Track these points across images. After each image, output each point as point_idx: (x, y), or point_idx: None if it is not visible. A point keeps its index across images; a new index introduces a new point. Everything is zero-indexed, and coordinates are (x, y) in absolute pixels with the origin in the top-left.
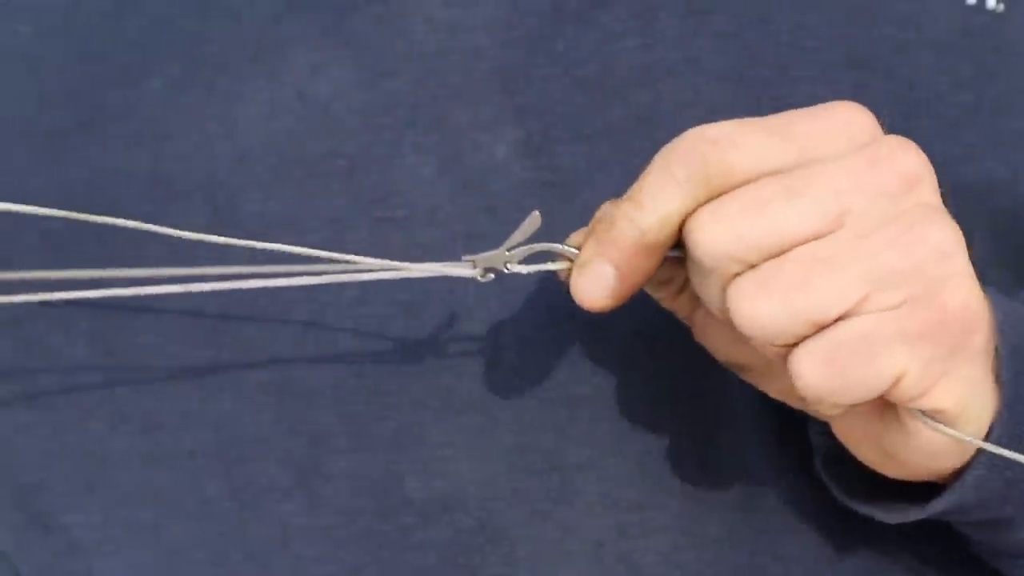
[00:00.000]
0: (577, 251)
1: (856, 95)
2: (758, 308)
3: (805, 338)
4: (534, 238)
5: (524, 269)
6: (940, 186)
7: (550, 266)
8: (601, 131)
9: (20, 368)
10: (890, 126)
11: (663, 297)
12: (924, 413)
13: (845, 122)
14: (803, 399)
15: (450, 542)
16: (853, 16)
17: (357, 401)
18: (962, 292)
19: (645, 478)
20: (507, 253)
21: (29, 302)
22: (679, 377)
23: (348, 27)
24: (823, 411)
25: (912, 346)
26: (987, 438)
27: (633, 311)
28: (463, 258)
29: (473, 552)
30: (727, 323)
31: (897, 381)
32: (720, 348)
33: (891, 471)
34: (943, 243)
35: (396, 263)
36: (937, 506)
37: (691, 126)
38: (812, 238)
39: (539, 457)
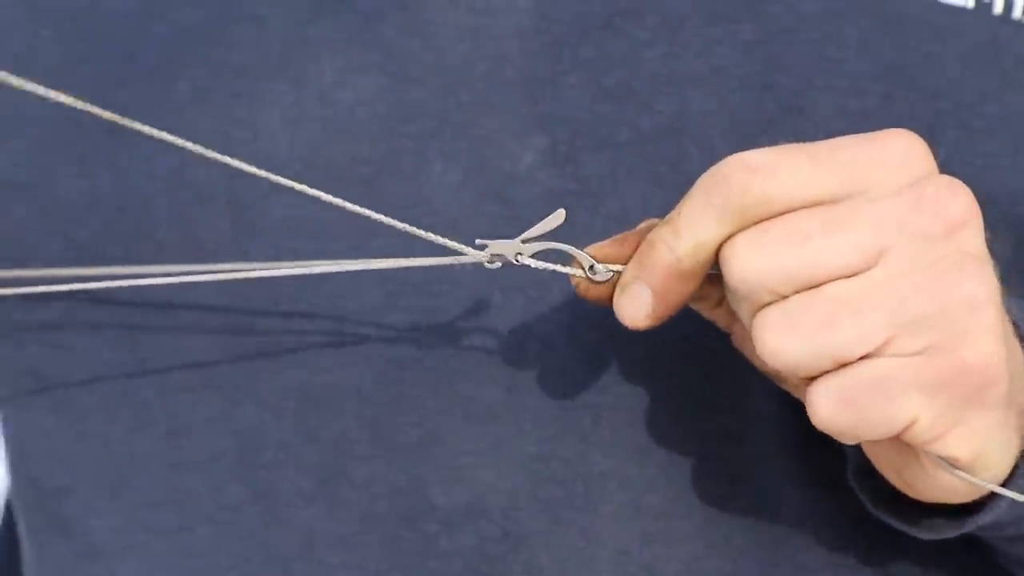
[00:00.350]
0: (591, 259)
1: (882, 105)
2: (782, 343)
3: (826, 372)
4: (552, 237)
5: (534, 264)
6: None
7: (560, 268)
8: (627, 140)
9: (47, 372)
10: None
11: (702, 308)
12: (938, 458)
13: (897, 154)
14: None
15: (473, 550)
16: (880, 26)
17: (380, 408)
18: (982, 347)
19: (669, 486)
20: (521, 245)
21: (57, 305)
22: (703, 386)
23: (374, 34)
24: (841, 441)
25: (927, 394)
26: (1014, 474)
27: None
28: (476, 241)
29: (496, 560)
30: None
31: (910, 426)
32: (757, 357)
33: (916, 496)
34: (974, 295)
35: (418, 231)
36: (974, 524)
37: (717, 135)
38: (846, 275)
39: (562, 465)
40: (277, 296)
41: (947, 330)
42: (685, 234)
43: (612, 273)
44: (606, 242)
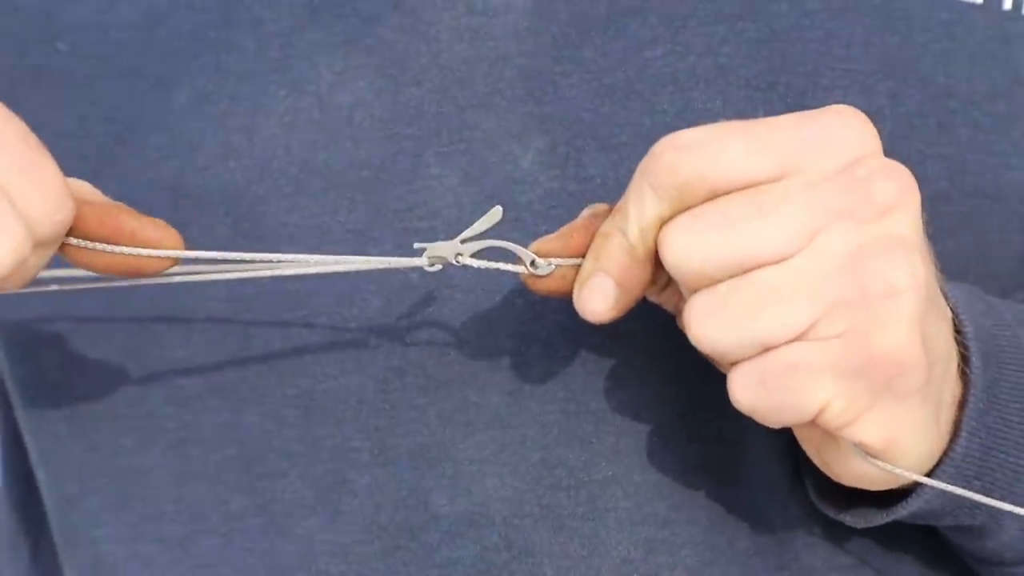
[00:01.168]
0: (531, 254)
1: (890, 104)
2: (708, 330)
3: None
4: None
5: (475, 263)
6: (971, 194)
7: (503, 265)
8: (629, 140)
9: (63, 383)
10: (924, 134)
11: (649, 293)
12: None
13: (836, 133)
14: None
15: (476, 559)
16: (888, 24)
17: (382, 416)
18: (895, 336)
19: (673, 492)
20: (460, 245)
21: (67, 316)
22: (706, 391)
23: (371, 36)
24: (761, 423)
25: (839, 380)
26: (951, 448)
27: (658, 325)
28: (415, 246)
29: (499, 569)
30: None
31: (822, 411)
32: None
33: (837, 478)
34: (895, 281)
35: (347, 258)
36: (899, 511)
37: None
38: (776, 259)
39: (566, 472)
40: (279, 304)
41: (865, 316)
42: (631, 218)
43: (553, 266)
44: (550, 236)
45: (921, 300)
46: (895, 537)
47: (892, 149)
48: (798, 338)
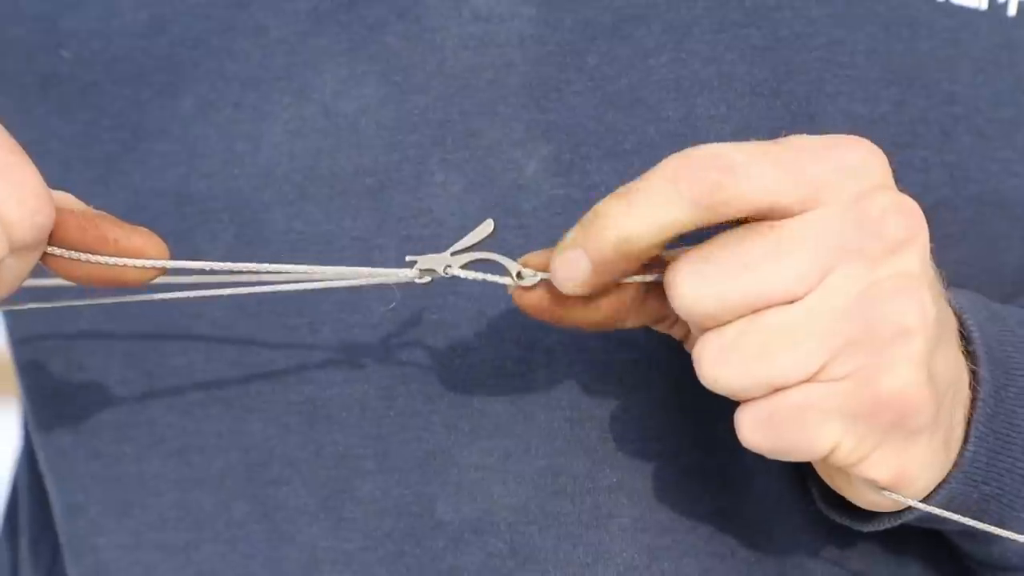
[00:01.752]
0: (518, 265)
1: (894, 110)
2: (718, 371)
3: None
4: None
5: (465, 275)
6: (975, 201)
7: (492, 277)
8: (633, 147)
9: (67, 391)
10: (927, 142)
11: (659, 327)
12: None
13: (853, 164)
14: None
15: (480, 566)
16: (892, 31)
17: (385, 423)
18: (902, 378)
19: (677, 500)
20: (450, 257)
21: (73, 326)
22: (709, 397)
23: (376, 43)
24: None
25: (847, 421)
26: (960, 454)
27: (663, 334)
28: (406, 258)
29: None
30: None
31: (832, 451)
32: None
33: (860, 504)
34: (904, 322)
35: (334, 268)
36: (908, 515)
37: (725, 141)
38: (787, 300)
39: (571, 480)
40: (282, 311)
41: (873, 357)
42: (639, 213)
43: (539, 277)
44: (540, 251)
45: (930, 340)
46: (898, 545)
47: (896, 156)
48: (808, 379)
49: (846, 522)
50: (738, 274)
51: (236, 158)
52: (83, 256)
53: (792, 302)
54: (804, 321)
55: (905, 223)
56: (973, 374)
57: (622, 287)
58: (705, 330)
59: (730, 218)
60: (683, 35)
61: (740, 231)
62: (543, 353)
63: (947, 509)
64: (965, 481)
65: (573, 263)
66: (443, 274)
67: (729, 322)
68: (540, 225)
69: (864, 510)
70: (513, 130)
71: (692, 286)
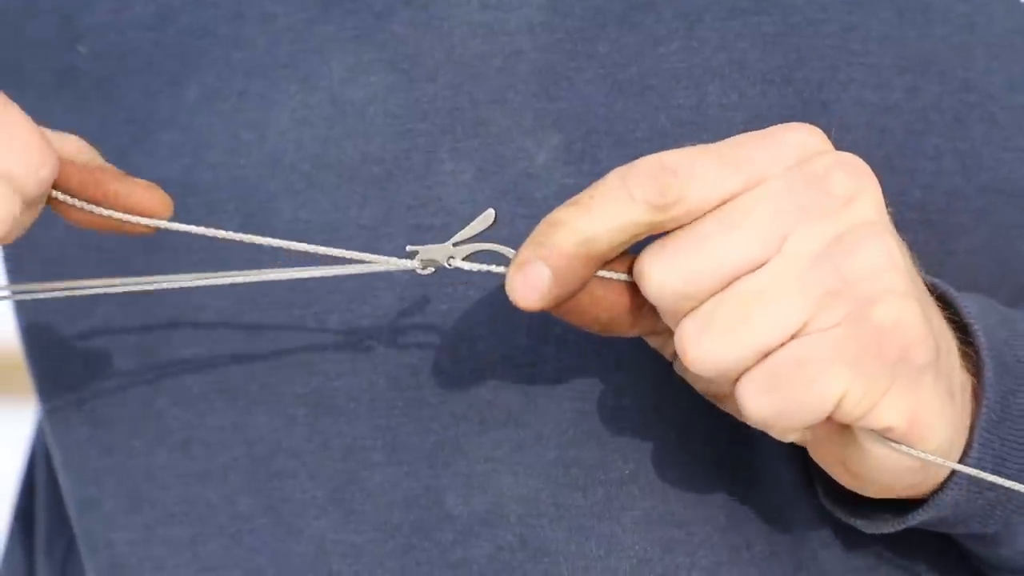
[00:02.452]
0: None
1: (907, 97)
2: (703, 350)
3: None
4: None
5: (467, 266)
6: (986, 190)
7: (492, 268)
8: (644, 136)
9: (77, 384)
10: (940, 129)
11: (652, 341)
12: (876, 432)
13: (793, 145)
14: (758, 427)
15: (490, 559)
16: (906, 17)
17: (394, 414)
18: (893, 308)
19: (690, 492)
20: (452, 248)
21: (84, 319)
22: None
23: (384, 31)
24: (779, 437)
25: (851, 365)
26: (964, 459)
27: None
28: (407, 248)
29: (514, 569)
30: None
31: (839, 402)
32: (698, 380)
33: (870, 491)
34: (875, 263)
35: (336, 252)
36: (912, 520)
37: (736, 129)
38: (753, 267)
39: (582, 471)
40: (289, 302)
41: (857, 300)
42: (597, 215)
43: None
44: None
45: (906, 274)
46: (912, 537)
47: (908, 144)
48: (797, 335)
49: (852, 521)
50: (698, 248)
51: (242, 147)
52: (86, 206)
53: (759, 268)
54: (774, 281)
55: (852, 175)
56: (976, 375)
57: (619, 290)
58: (681, 318)
59: (685, 219)
60: (694, 22)
61: (697, 219)
62: (554, 343)
63: (952, 514)
64: (969, 487)
65: (532, 276)
66: (446, 265)
67: (701, 302)
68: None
69: (869, 512)
70: (523, 118)
71: (656, 268)
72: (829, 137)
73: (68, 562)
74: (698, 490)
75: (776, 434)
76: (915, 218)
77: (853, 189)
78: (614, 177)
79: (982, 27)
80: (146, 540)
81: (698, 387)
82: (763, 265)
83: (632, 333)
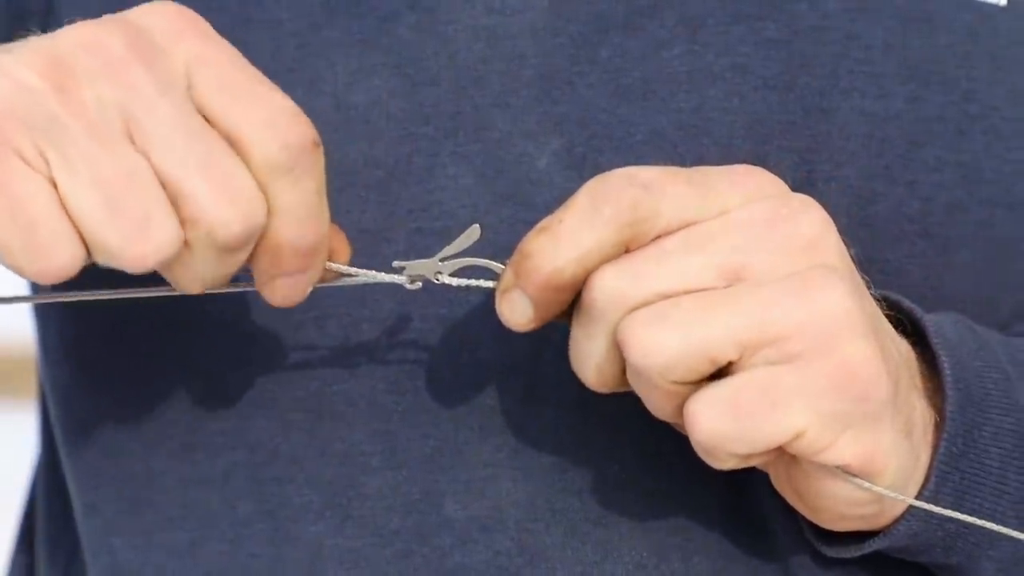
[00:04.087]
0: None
1: (909, 107)
2: (653, 337)
3: (700, 378)
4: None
5: (454, 282)
6: (987, 203)
7: (480, 283)
8: (645, 139)
9: (82, 389)
10: (942, 140)
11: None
12: (829, 468)
13: (758, 184)
14: (699, 448)
15: (488, 564)
16: (909, 26)
17: (393, 420)
18: (857, 347)
19: (686, 498)
20: (440, 263)
21: (82, 323)
22: None
23: (388, 35)
24: (716, 463)
25: (813, 400)
26: (920, 493)
27: None
28: (393, 264)
29: (511, 574)
30: (608, 384)
31: (798, 436)
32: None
33: (823, 520)
34: (840, 303)
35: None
36: (868, 547)
37: (736, 133)
38: (708, 288)
39: (578, 477)
40: (288, 307)
41: (820, 336)
42: (566, 243)
43: None
44: None
45: (866, 318)
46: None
47: (909, 154)
48: (751, 359)
49: (817, 543)
50: (657, 261)
51: None
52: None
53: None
54: (735, 295)
55: (815, 220)
56: (940, 406)
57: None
58: (621, 316)
59: (651, 237)
60: (697, 27)
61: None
62: (552, 350)
63: (910, 544)
64: (926, 519)
65: (516, 304)
66: (433, 280)
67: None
68: None
69: (837, 539)
70: (525, 122)
71: (611, 274)
72: (829, 144)
73: (71, 568)
74: (694, 497)
75: (717, 458)
76: (914, 230)
77: (815, 234)
78: (583, 197)
79: (985, 38)
80: (146, 545)
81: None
82: (720, 288)
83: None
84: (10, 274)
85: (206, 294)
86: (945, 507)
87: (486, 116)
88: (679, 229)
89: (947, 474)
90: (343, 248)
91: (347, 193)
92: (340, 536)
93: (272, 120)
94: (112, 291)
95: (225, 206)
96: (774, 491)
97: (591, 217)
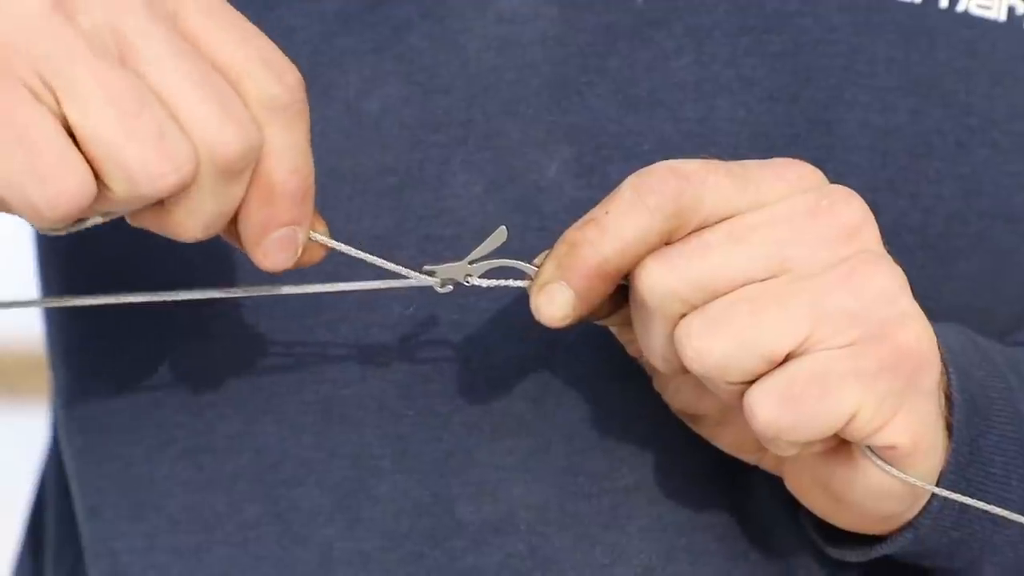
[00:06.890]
0: (537, 269)
1: (910, 121)
2: (708, 344)
3: (757, 376)
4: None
5: (485, 283)
6: (987, 215)
7: (511, 283)
8: (653, 149)
9: (87, 391)
10: (942, 153)
11: (630, 345)
12: (876, 450)
13: (794, 175)
14: (761, 438)
15: (500, 567)
16: (911, 41)
17: (403, 423)
18: (914, 330)
19: (695, 501)
20: (468, 266)
21: (82, 328)
22: None
23: (401, 44)
24: (778, 451)
25: (867, 382)
26: (926, 508)
27: None
28: (424, 267)
29: None
30: (677, 371)
31: (852, 417)
32: (676, 397)
33: (842, 520)
34: (887, 286)
35: (366, 256)
36: (879, 551)
37: (743, 144)
38: (755, 281)
39: (589, 480)
40: (297, 310)
41: (872, 320)
42: (613, 232)
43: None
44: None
45: (914, 301)
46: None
47: (910, 167)
48: (807, 347)
49: (823, 546)
50: (701, 255)
51: None
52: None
53: (764, 281)
54: (783, 290)
55: (856, 208)
56: (948, 413)
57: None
58: (677, 317)
59: (691, 227)
60: (704, 38)
61: (704, 227)
62: (563, 352)
63: (917, 551)
64: (934, 527)
65: (555, 297)
66: (464, 283)
67: (692, 306)
68: (561, 227)
69: (844, 543)
70: (535, 131)
71: (655, 268)
72: (833, 156)
73: (77, 571)
74: (703, 499)
75: (779, 447)
76: (914, 241)
77: (856, 222)
78: (627, 189)
79: (985, 53)
80: (149, 548)
81: (675, 405)
82: (767, 280)
83: (607, 321)
84: (22, 276)
85: (214, 299)
86: (952, 514)
87: (497, 124)
88: (719, 221)
89: (954, 482)
90: (321, 224)
91: (359, 200)
92: (350, 539)
93: (268, 59)
94: (118, 295)
95: (224, 124)
96: (779, 493)
97: (636, 208)
